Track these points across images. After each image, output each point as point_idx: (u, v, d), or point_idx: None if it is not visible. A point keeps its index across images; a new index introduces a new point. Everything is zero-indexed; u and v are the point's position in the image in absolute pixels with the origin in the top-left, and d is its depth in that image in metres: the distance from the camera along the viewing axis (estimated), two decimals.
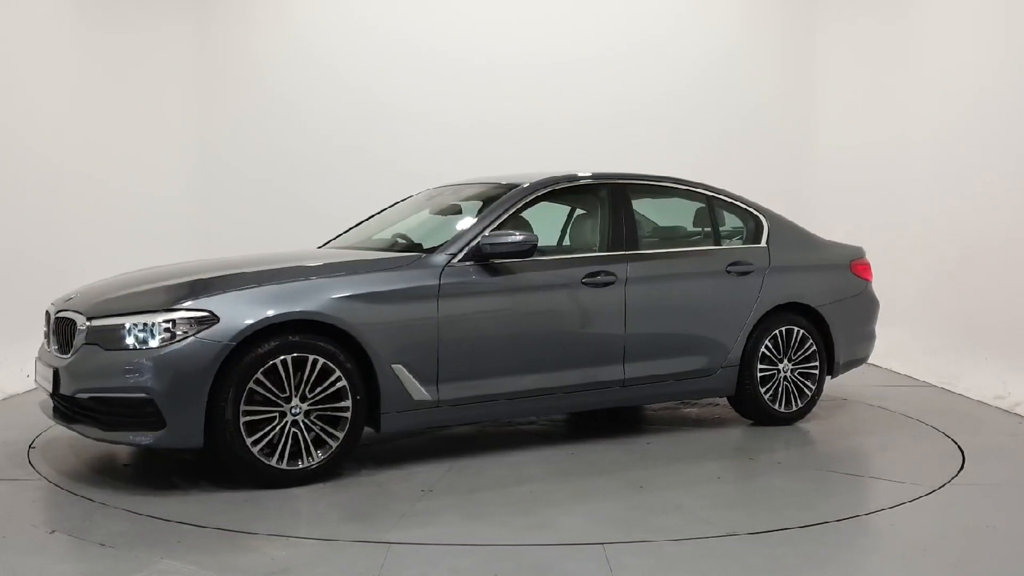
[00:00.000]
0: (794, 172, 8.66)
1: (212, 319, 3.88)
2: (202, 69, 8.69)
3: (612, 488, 4.08)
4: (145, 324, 3.89)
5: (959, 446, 4.90)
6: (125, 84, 8.34)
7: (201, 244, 7.87)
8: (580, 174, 5.15)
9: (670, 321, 5.03)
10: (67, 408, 4.13)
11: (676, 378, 5.06)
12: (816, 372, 5.41)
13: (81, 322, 4.10)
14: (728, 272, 5.22)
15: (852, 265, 5.77)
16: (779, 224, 5.58)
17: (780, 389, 5.32)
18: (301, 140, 8.60)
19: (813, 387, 5.41)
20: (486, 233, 4.55)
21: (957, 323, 6.85)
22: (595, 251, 4.98)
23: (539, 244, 5.18)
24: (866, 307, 5.78)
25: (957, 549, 3.43)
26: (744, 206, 5.52)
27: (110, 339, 3.95)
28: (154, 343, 3.86)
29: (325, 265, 4.32)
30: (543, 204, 5.31)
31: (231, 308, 3.92)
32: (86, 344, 4.03)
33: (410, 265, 4.40)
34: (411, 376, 4.28)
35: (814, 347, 5.39)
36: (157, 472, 4.32)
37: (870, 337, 5.85)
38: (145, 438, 3.87)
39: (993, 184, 6.61)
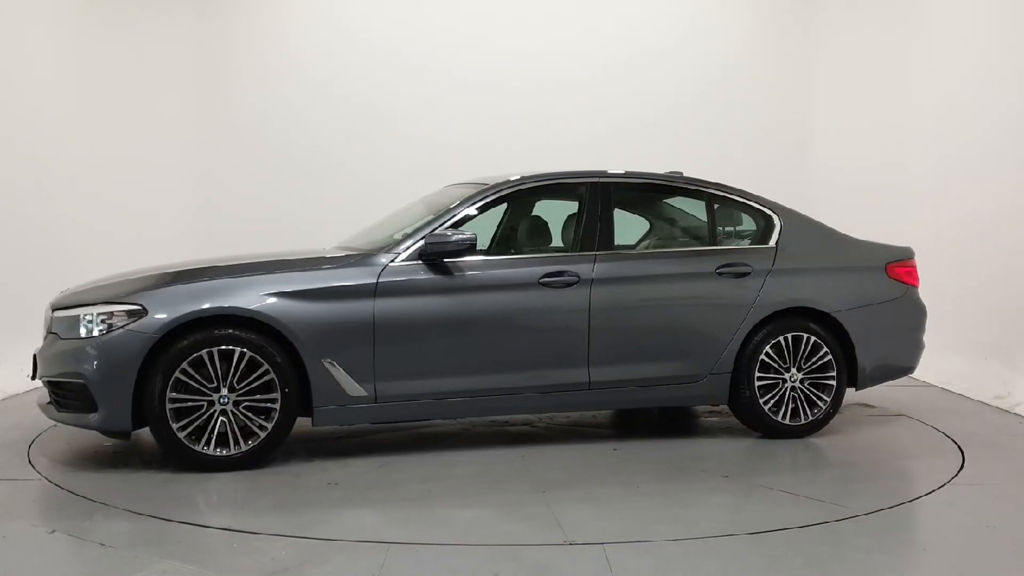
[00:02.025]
0: (793, 176, 8.62)
1: (142, 312, 4.18)
2: (202, 70, 8.68)
3: (513, 491, 4.03)
4: (91, 316, 4.24)
5: (959, 446, 4.90)
6: (126, 86, 8.34)
7: (202, 245, 7.86)
8: (553, 172, 5.07)
9: (643, 324, 4.80)
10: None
11: (654, 383, 4.84)
12: (833, 383, 5.00)
13: (48, 313, 4.51)
14: (719, 274, 4.93)
15: (888, 268, 5.27)
16: (796, 224, 5.21)
17: (787, 400, 4.95)
18: (302, 141, 8.59)
19: (828, 399, 5.00)
20: (434, 232, 4.57)
21: (957, 323, 6.84)
22: (566, 251, 4.89)
23: (551, 242, 5.15)
24: (905, 313, 5.27)
25: (957, 549, 3.44)
26: (756, 205, 5.21)
27: (65, 329, 4.32)
28: (94, 333, 4.21)
29: (264, 263, 4.52)
30: (544, 203, 5.30)
31: (160, 303, 4.21)
32: (50, 333, 4.44)
33: (351, 264, 4.51)
34: (344, 372, 4.37)
35: (829, 356, 4.98)
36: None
37: (912, 346, 5.34)
38: (85, 420, 4.24)
39: (993, 185, 6.61)
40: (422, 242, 4.55)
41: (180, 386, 4.16)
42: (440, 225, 4.63)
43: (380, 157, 8.48)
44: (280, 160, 8.59)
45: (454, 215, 4.70)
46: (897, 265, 5.32)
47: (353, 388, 4.39)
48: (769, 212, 5.21)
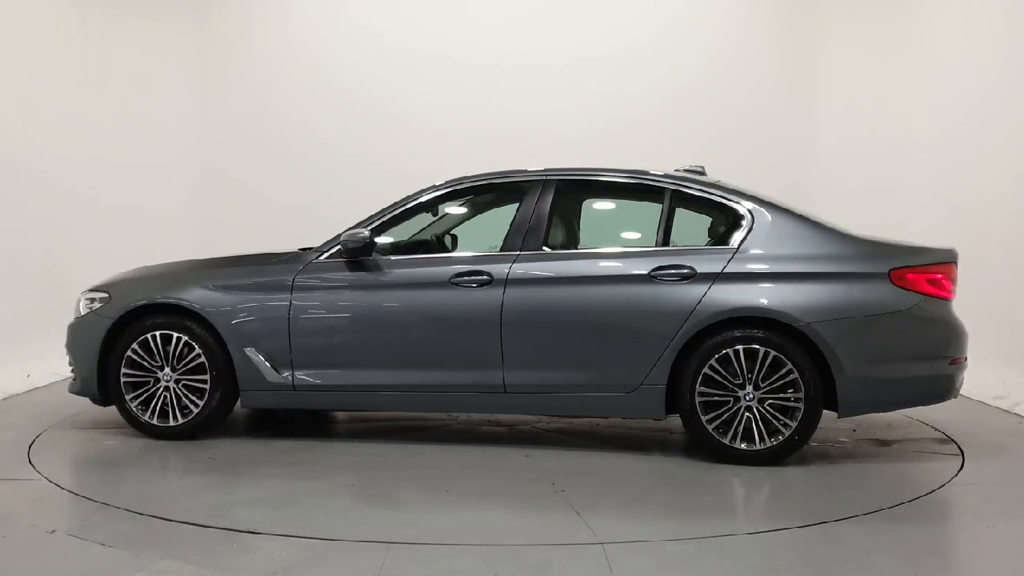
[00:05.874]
0: (794, 171, 8.63)
1: (109, 299, 4.96)
2: (201, 75, 8.70)
3: (342, 483, 4.08)
4: (82, 299, 5.07)
5: (959, 446, 4.91)
6: (125, 91, 8.36)
7: (202, 248, 7.87)
8: (490, 172, 4.99)
9: (561, 328, 4.53)
10: None
11: (577, 390, 4.54)
12: (799, 406, 4.33)
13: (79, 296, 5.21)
14: (653, 277, 4.49)
15: (894, 274, 4.39)
16: (775, 223, 4.53)
17: (740, 421, 4.37)
18: (300, 145, 8.61)
19: (793, 424, 4.33)
20: (349, 231, 4.79)
21: None
22: (492, 251, 4.74)
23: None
24: (916, 329, 4.39)
25: (957, 549, 3.44)
26: (728, 201, 4.65)
27: (76, 309, 5.11)
28: (82, 313, 5.03)
29: (215, 260, 5.15)
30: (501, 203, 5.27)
31: (121, 291, 4.97)
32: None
33: (283, 261, 4.89)
34: (263, 360, 4.77)
35: (795, 374, 4.32)
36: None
37: (930, 369, 4.44)
38: (72, 386, 5.06)
39: (994, 182, 6.61)
40: (341, 241, 4.81)
41: (132, 363, 4.84)
42: (367, 225, 4.83)
43: (378, 160, 8.49)
44: (280, 165, 8.62)
45: (384, 216, 4.87)
46: (909, 271, 4.40)
47: (272, 375, 4.76)
48: (742, 210, 4.60)
